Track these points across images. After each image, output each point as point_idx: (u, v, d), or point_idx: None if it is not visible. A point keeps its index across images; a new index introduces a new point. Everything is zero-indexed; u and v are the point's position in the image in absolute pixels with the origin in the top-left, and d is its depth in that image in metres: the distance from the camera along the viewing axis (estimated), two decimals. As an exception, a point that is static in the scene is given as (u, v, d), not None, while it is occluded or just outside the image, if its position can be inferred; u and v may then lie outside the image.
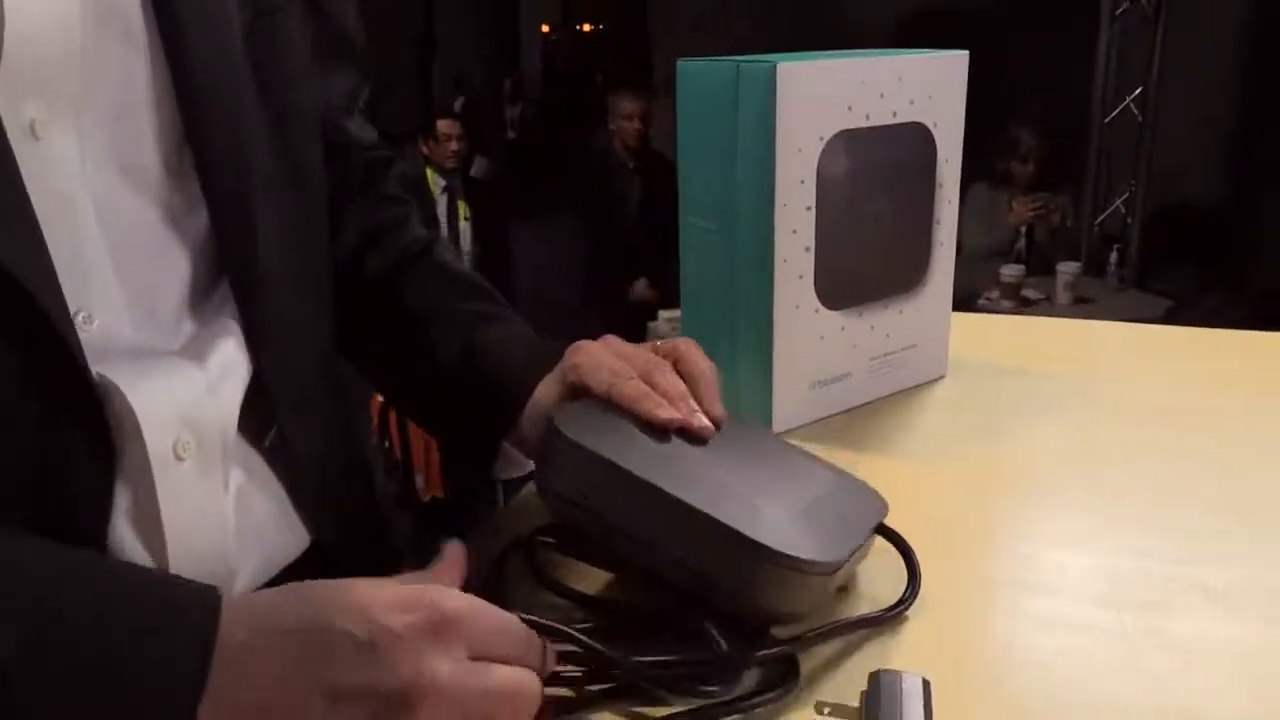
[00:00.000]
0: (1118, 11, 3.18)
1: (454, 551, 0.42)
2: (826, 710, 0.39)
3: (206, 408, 0.44)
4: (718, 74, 0.62)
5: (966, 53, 0.67)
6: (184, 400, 0.43)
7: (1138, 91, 3.16)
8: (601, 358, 0.51)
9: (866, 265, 0.67)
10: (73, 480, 0.39)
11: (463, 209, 3.32)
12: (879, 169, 0.65)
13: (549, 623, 0.38)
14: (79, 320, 0.40)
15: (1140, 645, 0.44)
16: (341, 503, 0.52)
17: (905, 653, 0.44)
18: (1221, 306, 2.85)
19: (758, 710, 0.39)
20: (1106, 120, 3.28)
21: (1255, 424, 0.66)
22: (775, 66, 0.59)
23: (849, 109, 0.62)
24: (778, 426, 0.65)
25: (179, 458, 0.42)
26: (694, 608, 0.42)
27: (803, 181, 0.62)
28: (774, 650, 0.41)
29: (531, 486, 0.57)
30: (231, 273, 0.46)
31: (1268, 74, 3.30)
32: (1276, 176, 3.29)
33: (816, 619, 0.44)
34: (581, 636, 0.39)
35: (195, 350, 0.45)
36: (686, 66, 0.64)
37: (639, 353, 0.52)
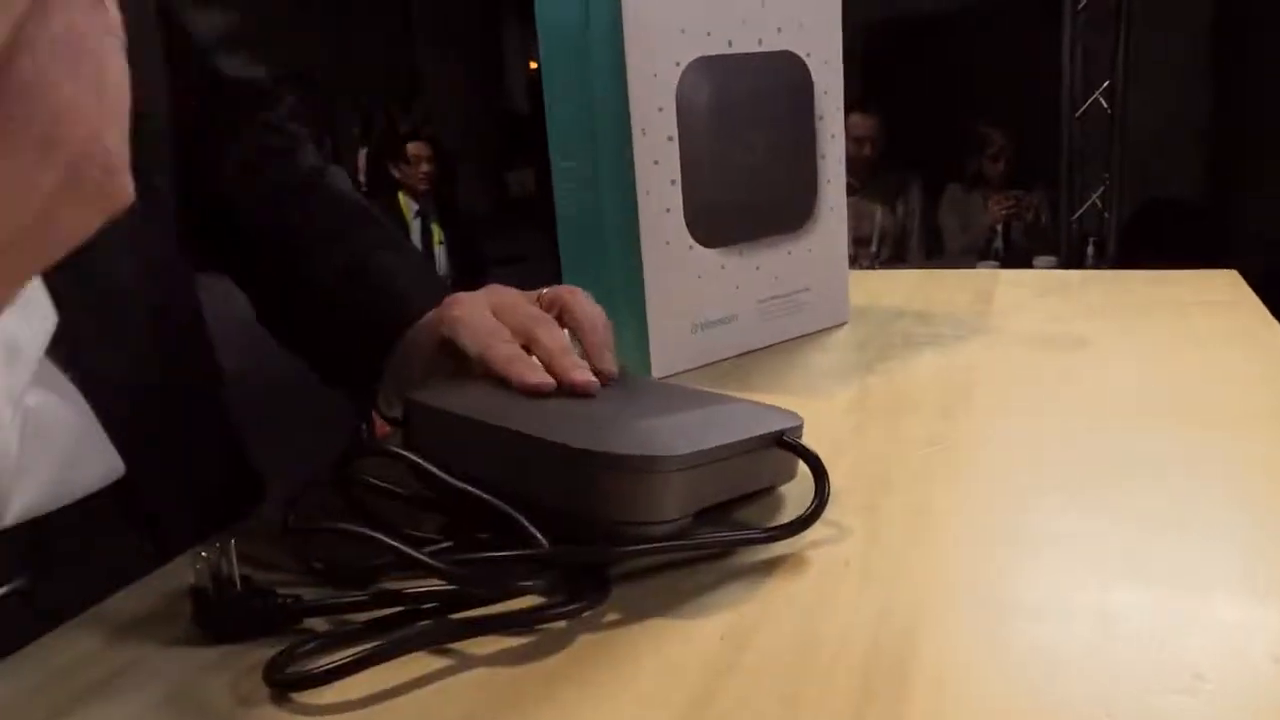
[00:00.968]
0: (1080, 6, 3.17)
1: None
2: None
3: None
4: (567, 4, 0.59)
5: (833, -26, 0.65)
6: None
7: (1105, 85, 3.15)
8: (477, 316, 0.49)
9: (742, 200, 0.64)
10: None
11: (437, 233, 3.31)
12: (748, 99, 0.63)
13: (368, 532, 0.36)
14: None
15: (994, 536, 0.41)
16: (154, 433, 0.49)
17: (776, 580, 0.40)
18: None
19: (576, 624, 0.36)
20: (1077, 115, 3.26)
21: (1119, 346, 0.63)
22: (618, -13, 0.56)
23: (708, 34, 0.60)
24: (656, 371, 0.62)
25: None
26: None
27: (660, 109, 0.59)
28: (584, 550, 0.38)
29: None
30: None
31: (1235, 62, 3.29)
32: (1249, 165, 3.28)
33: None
34: (395, 543, 0.35)
35: None
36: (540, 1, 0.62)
37: (520, 304, 0.50)
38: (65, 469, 0.45)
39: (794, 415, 0.43)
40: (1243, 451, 0.46)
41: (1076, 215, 3.32)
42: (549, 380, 0.45)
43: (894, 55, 3.57)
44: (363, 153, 3.96)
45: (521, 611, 0.35)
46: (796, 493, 0.43)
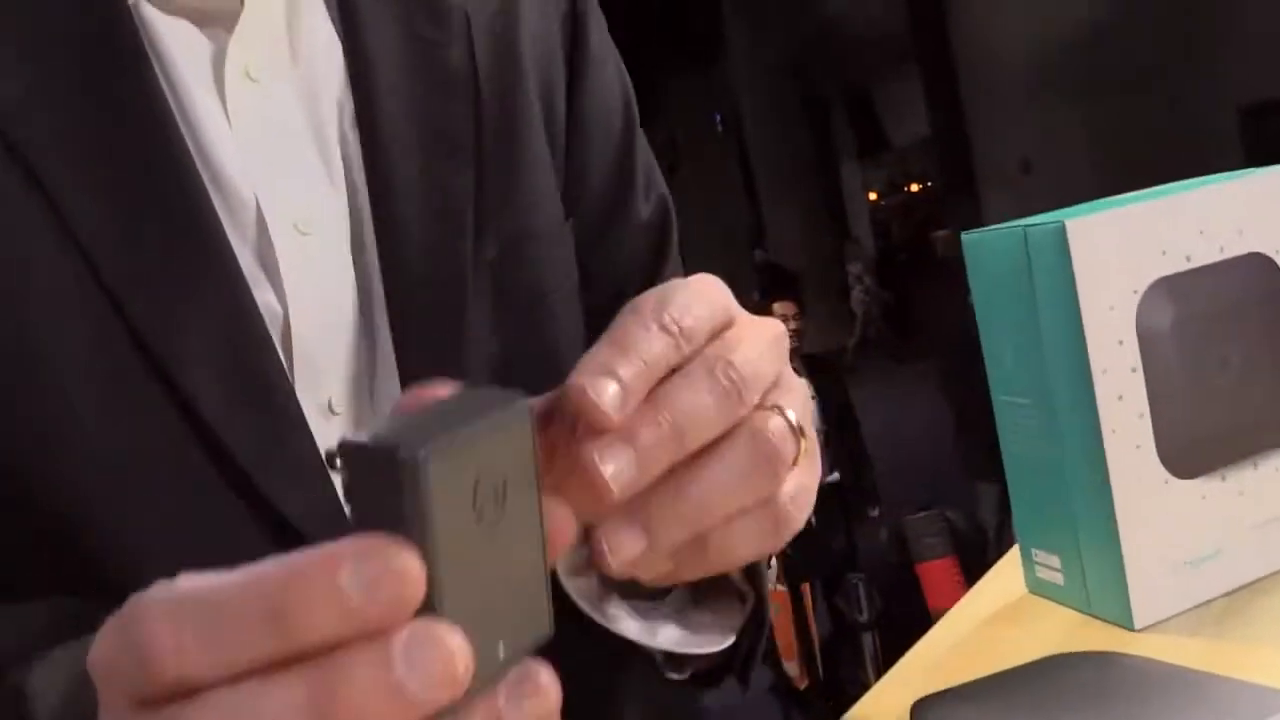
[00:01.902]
0: None
1: None
2: None
3: None
4: (1005, 242, 0.57)
5: (1298, 167, 0.59)
6: None
7: None
8: None
9: (1219, 423, 0.58)
10: None
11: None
12: (1216, 313, 0.57)
13: None
14: None
15: None
16: None
17: None
18: None
19: None
20: None
21: None
22: (1064, 224, 0.54)
23: (1163, 254, 0.56)
24: (1139, 621, 0.56)
25: None
26: None
27: (1121, 342, 0.55)
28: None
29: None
30: None
31: None
32: None
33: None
34: None
35: None
36: (972, 239, 0.60)
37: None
38: None
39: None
40: None
41: None
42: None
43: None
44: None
45: None
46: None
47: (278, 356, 0.45)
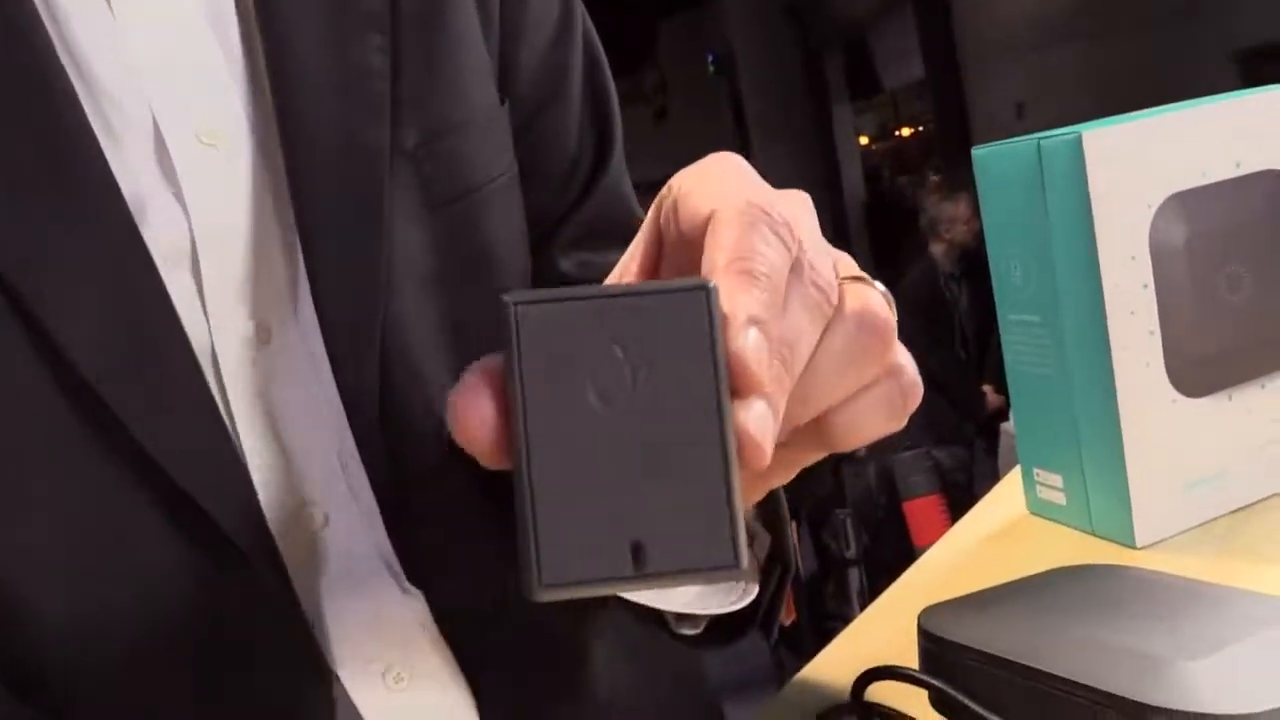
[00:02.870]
0: None
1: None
2: None
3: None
4: (1018, 155, 0.56)
5: (1319, 82, 0.58)
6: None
7: None
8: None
9: (1228, 341, 0.57)
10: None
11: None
12: (1229, 229, 0.57)
13: None
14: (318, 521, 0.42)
15: None
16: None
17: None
18: None
19: None
20: None
21: None
22: (1080, 136, 0.53)
23: (1179, 168, 0.55)
24: (1141, 539, 0.56)
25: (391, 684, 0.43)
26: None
27: (1134, 257, 0.54)
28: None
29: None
30: None
31: None
32: None
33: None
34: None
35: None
36: (983, 153, 0.59)
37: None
38: None
39: None
40: None
41: None
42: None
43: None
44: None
45: None
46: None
47: (168, 301, 0.40)
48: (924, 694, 0.40)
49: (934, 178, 3.77)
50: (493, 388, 0.26)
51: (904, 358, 0.30)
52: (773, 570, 0.50)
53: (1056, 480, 0.61)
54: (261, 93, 0.43)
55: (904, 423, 0.31)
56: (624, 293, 0.26)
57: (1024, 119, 5.46)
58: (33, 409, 0.38)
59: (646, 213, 0.57)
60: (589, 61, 0.56)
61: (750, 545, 0.47)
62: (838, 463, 3.06)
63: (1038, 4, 5.41)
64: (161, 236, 0.40)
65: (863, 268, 0.32)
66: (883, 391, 0.30)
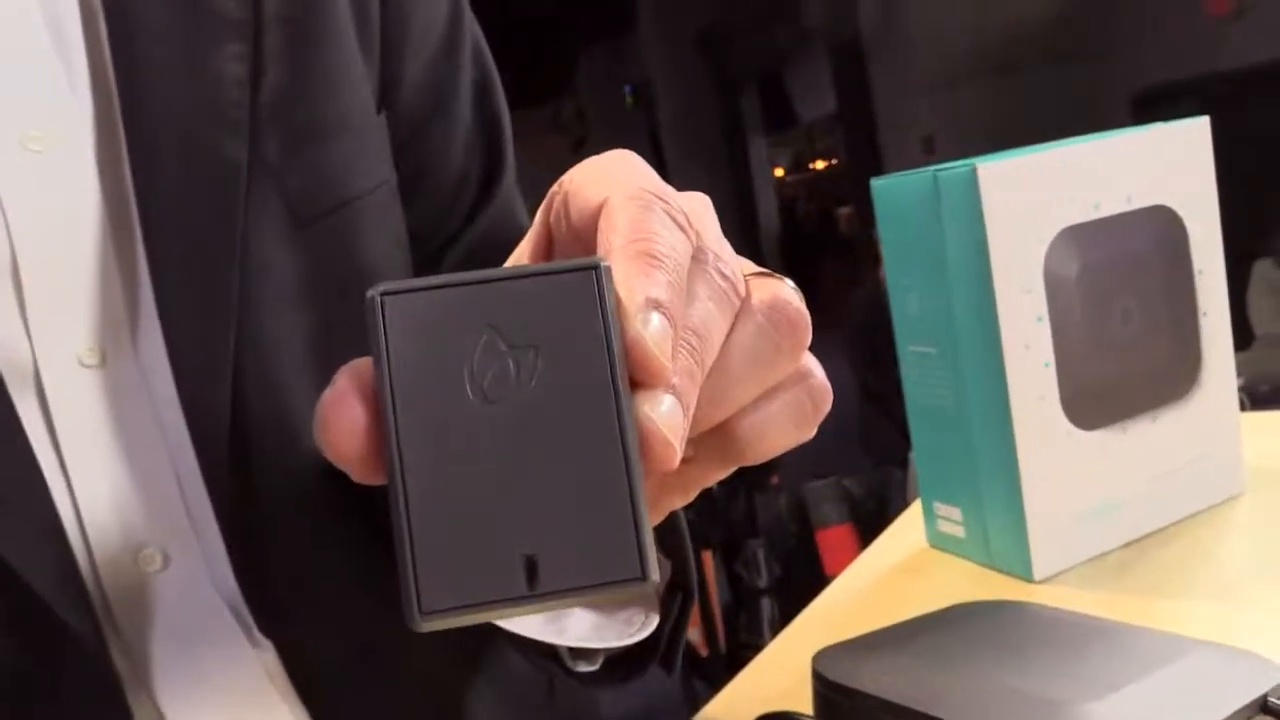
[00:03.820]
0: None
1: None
2: None
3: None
4: (916, 186, 0.56)
5: (1206, 119, 0.59)
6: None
7: None
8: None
9: (1121, 374, 0.58)
10: None
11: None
12: (1120, 263, 0.57)
13: None
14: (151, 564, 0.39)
15: None
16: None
17: None
18: None
19: None
20: None
21: None
22: (975, 168, 0.52)
23: (1071, 201, 0.55)
24: (1039, 572, 0.56)
25: None
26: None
27: (1029, 290, 0.54)
28: None
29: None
30: None
31: None
32: None
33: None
34: None
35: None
36: (881, 184, 0.59)
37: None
38: None
39: (1268, 665, 0.37)
40: None
41: None
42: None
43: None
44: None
45: None
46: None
47: None
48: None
49: (843, 210, 3.83)
50: (364, 392, 0.23)
51: (813, 362, 0.28)
52: (674, 598, 0.48)
53: (955, 514, 0.60)
54: (107, 100, 0.40)
55: (813, 431, 0.29)
56: (504, 276, 0.23)
57: (933, 153, 5.59)
58: None
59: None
60: (479, 79, 0.54)
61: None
62: (750, 491, 3.06)
63: (947, 42, 5.56)
64: None
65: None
66: (792, 397, 0.28)
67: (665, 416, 0.23)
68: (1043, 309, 0.55)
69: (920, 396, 0.60)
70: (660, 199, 0.26)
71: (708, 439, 0.27)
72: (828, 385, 0.29)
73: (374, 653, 0.45)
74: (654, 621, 0.46)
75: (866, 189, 0.60)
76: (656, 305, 0.24)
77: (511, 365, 0.23)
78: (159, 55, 0.40)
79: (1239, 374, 0.64)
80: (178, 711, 0.40)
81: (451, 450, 0.22)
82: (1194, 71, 4.44)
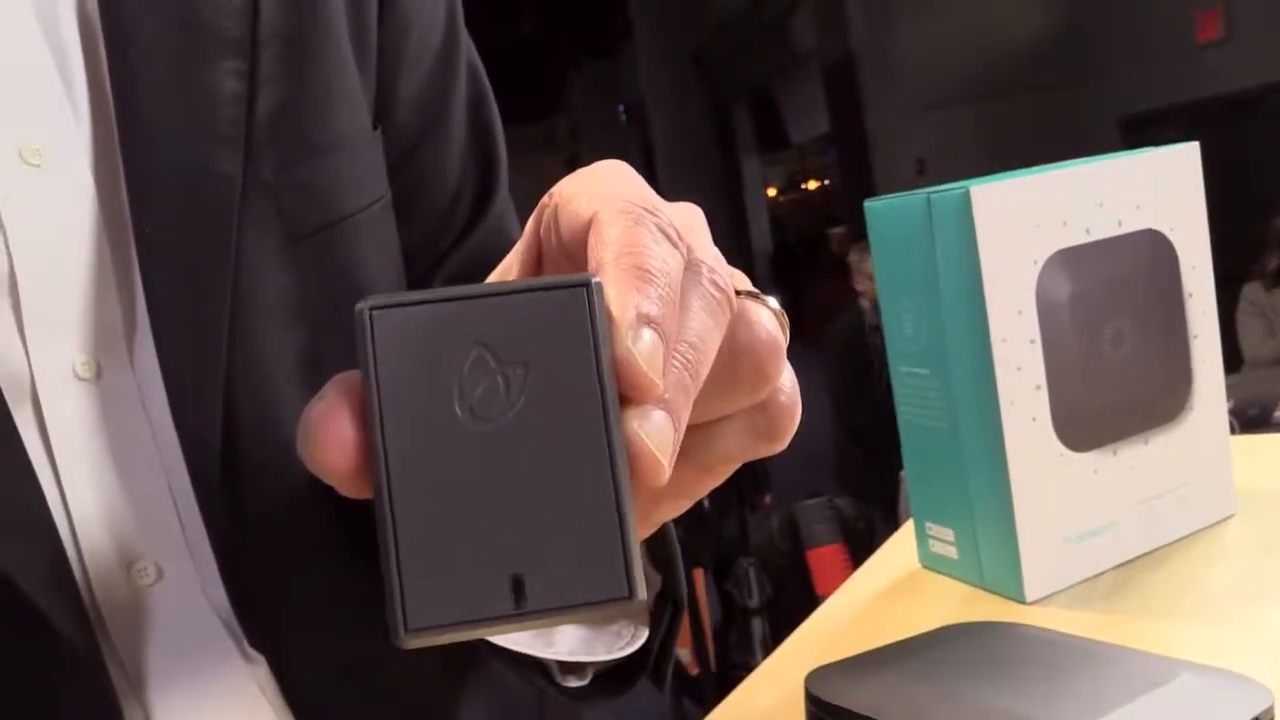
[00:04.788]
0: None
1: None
2: None
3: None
4: (909, 209, 0.57)
5: (1196, 144, 0.59)
6: None
7: None
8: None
9: (1113, 397, 0.58)
10: None
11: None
12: (1111, 286, 0.58)
13: None
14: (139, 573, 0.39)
15: None
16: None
17: None
18: None
19: None
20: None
21: None
22: (969, 191, 0.53)
23: (1063, 224, 0.55)
24: (1030, 594, 0.56)
25: None
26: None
27: (1020, 312, 0.55)
28: None
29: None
30: None
31: None
32: None
33: None
34: None
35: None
36: (875, 206, 0.59)
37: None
38: None
39: (1258, 689, 0.37)
40: None
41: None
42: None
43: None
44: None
45: None
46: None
47: None
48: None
49: (835, 230, 3.85)
50: (353, 406, 0.23)
51: (785, 377, 0.28)
52: (663, 611, 0.48)
53: (948, 534, 0.60)
54: (105, 115, 0.41)
55: (780, 446, 0.29)
56: (493, 292, 0.23)
57: (925, 175, 5.63)
58: None
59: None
60: (474, 96, 0.54)
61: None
62: (741, 510, 3.06)
63: (939, 65, 5.60)
64: None
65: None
66: (749, 414, 0.28)
67: (655, 433, 0.23)
68: (1035, 331, 0.55)
69: (913, 417, 0.60)
70: (651, 212, 0.26)
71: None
72: (794, 402, 0.28)
73: (363, 669, 0.45)
74: (644, 635, 0.46)
75: (858, 209, 0.61)
76: (648, 320, 0.24)
77: (501, 382, 0.23)
78: (156, 71, 0.40)
79: (1229, 397, 0.64)
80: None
81: (439, 467, 0.22)
82: (1183, 96, 4.50)
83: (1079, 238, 0.56)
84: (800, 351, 0.30)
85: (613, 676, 0.48)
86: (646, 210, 0.26)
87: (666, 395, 0.24)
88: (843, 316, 3.51)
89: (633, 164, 0.29)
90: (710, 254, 0.27)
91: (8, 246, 0.38)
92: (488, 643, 0.43)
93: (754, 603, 2.90)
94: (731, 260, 0.29)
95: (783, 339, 0.28)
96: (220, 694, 0.42)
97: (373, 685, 0.45)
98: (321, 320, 0.43)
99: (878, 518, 3.32)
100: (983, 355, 0.54)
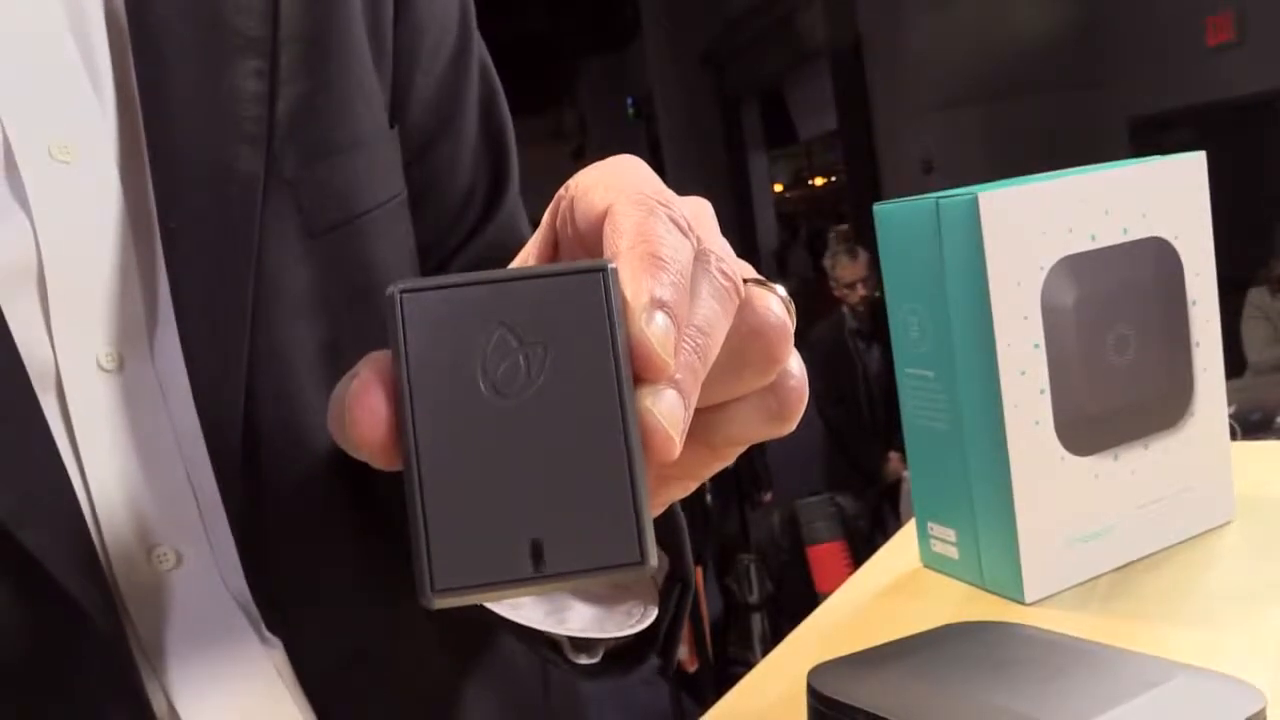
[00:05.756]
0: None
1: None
2: None
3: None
4: (917, 213, 0.57)
5: (1203, 153, 0.60)
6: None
7: None
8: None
9: (1115, 402, 0.59)
10: None
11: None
12: (1116, 293, 0.58)
13: None
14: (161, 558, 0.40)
15: None
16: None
17: None
18: None
19: None
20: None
21: None
22: (976, 196, 0.54)
23: (1069, 231, 0.56)
24: (1030, 595, 0.57)
25: None
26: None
27: (1026, 317, 0.55)
28: None
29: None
30: None
31: None
32: None
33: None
34: None
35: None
36: (884, 209, 0.60)
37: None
38: None
39: (1252, 691, 0.37)
40: None
41: None
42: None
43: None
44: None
45: None
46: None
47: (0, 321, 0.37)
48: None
49: (839, 228, 3.85)
50: (385, 383, 0.24)
51: (794, 362, 0.30)
52: (671, 590, 0.49)
53: (950, 534, 0.61)
54: (131, 113, 0.41)
55: (789, 428, 0.30)
56: (515, 276, 0.25)
57: (931, 174, 5.63)
58: None
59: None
60: (486, 94, 0.55)
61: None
62: (742, 506, 3.07)
63: (949, 64, 5.60)
64: (4, 254, 0.38)
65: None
66: (762, 395, 0.29)
67: (667, 410, 0.25)
68: (1039, 336, 0.56)
69: (918, 419, 0.61)
70: (663, 204, 0.27)
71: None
72: (803, 385, 0.30)
73: (376, 655, 0.46)
74: (653, 613, 0.47)
75: (864, 207, 0.61)
76: (661, 305, 0.25)
77: (522, 360, 0.24)
78: (180, 70, 0.41)
79: (1231, 402, 0.65)
80: (188, 704, 0.41)
81: (464, 439, 0.24)
82: (1193, 100, 4.49)
83: (1085, 244, 0.57)
84: (805, 351, 0.32)
85: (623, 655, 0.50)
86: (659, 202, 0.27)
87: (677, 376, 0.25)
88: (825, 319, 3.51)
89: (640, 157, 0.30)
90: (719, 244, 0.29)
91: (36, 240, 0.39)
92: (503, 619, 0.44)
93: (754, 598, 2.91)
94: (737, 254, 0.30)
95: (790, 324, 0.29)
96: (238, 677, 0.43)
97: (385, 671, 0.46)
98: (340, 313, 0.44)
99: (877, 516, 3.33)
100: (987, 358, 0.55)
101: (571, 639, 0.47)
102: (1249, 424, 2.48)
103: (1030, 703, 0.37)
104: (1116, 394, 0.59)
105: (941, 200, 0.56)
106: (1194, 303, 0.61)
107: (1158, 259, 0.59)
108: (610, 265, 0.25)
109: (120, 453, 0.40)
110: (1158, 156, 0.60)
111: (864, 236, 3.56)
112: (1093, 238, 0.57)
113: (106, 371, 0.40)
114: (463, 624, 0.42)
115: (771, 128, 8.21)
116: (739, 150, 8.12)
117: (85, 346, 0.40)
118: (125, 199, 0.41)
